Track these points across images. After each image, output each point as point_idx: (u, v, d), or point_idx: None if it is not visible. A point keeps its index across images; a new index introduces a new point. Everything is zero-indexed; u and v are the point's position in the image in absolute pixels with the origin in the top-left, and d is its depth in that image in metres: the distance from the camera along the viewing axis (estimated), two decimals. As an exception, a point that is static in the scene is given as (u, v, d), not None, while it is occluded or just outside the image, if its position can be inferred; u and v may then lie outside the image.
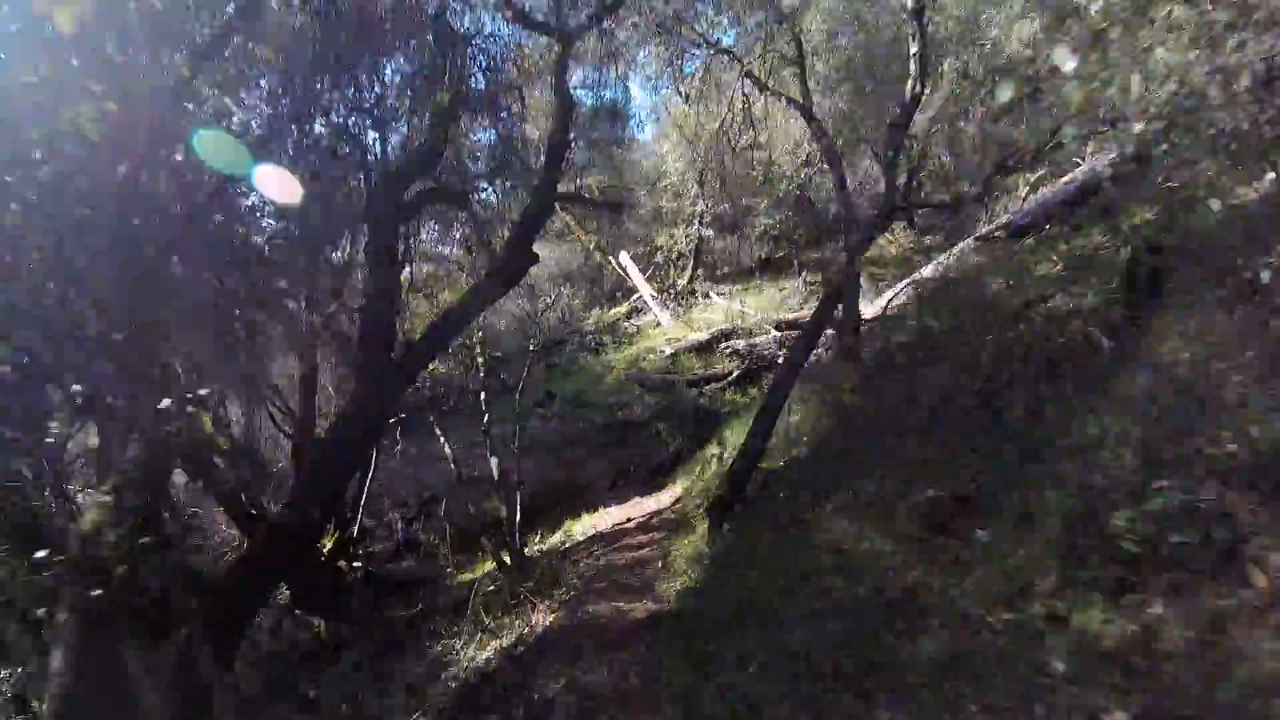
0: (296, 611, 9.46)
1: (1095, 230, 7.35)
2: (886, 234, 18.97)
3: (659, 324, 15.64)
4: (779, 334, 11.83)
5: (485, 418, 7.60)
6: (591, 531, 8.04)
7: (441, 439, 7.51)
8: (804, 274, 15.84)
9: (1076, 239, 7.61)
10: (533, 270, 16.17)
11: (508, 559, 6.63)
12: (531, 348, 8.08)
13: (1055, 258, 7.12)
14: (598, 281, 21.43)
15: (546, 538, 8.98)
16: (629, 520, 7.94)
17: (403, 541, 11.32)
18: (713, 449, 8.94)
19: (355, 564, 10.31)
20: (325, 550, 10.12)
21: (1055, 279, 6.35)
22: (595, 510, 9.50)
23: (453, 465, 7.67)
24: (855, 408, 5.27)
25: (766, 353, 11.55)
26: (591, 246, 19.21)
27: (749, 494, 5.66)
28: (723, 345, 12.30)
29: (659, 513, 7.82)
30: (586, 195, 6.29)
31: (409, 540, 11.31)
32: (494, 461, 7.21)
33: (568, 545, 7.85)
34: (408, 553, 11.23)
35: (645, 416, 11.74)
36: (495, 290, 5.17)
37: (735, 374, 11.68)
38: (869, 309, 12.52)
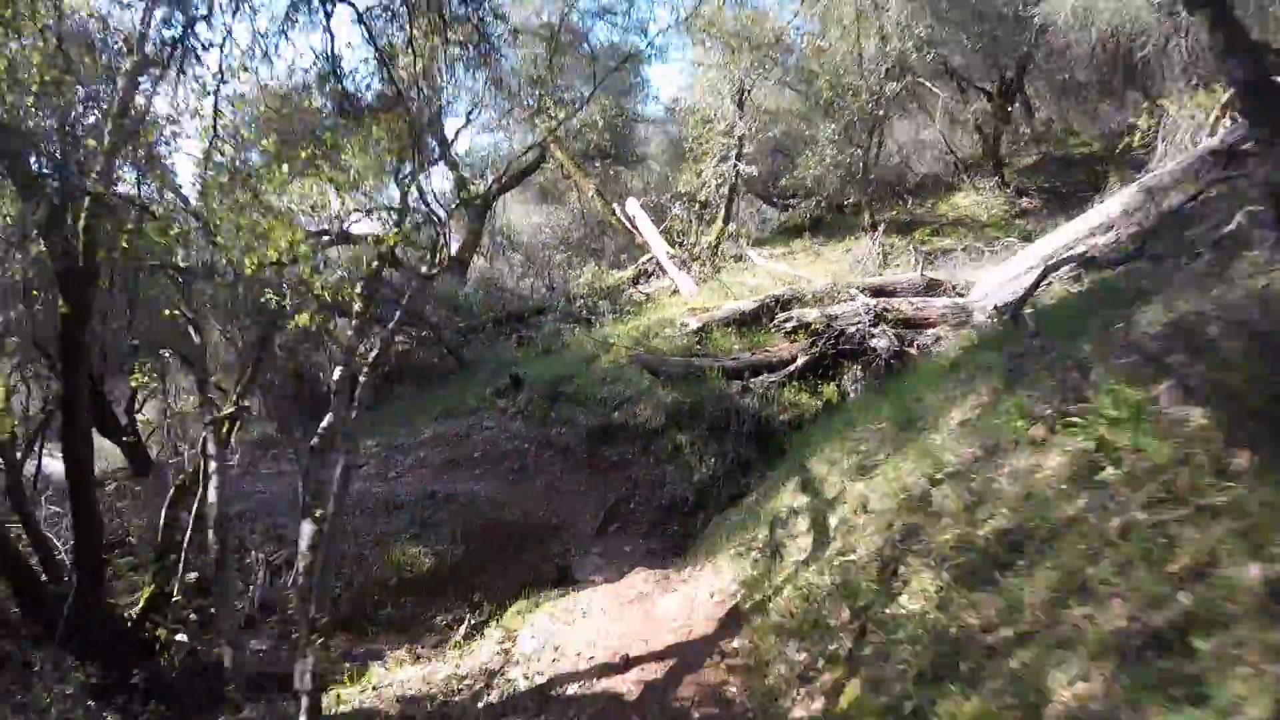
0: (90, 703, 5.43)
1: None
2: (976, 193, 14.95)
3: (677, 291, 11.34)
4: (872, 301, 7.52)
5: (325, 423, 3.37)
6: (549, 667, 3.82)
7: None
8: (879, 230, 11.53)
9: None
10: (518, 235, 11.67)
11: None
12: (425, 273, 3.80)
13: None
14: (599, 251, 17.27)
15: (469, 642, 4.77)
16: (626, 661, 3.65)
17: (260, 602, 7.10)
18: (788, 495, 4.69)
19: (178, 635, 6.10)
20: (132, 611, 6.03)
21: None
22: (566, 590, 5.26)
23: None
24: None
25: (854, 329, 7.25)
26: (591, 194, 14.89)
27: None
28: (780, 318, 7.99)
29: (697, 652, 3.54)
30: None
31: (270, 601, 7.10)
32: (306, 532, 3.01)
33: (490, 698, 3.64)
34: (264, 621, 7.01)
35: (657, 421, 7.54)
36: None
37: (802, 360, 7.40)
38: (993, 277, 8.33)
